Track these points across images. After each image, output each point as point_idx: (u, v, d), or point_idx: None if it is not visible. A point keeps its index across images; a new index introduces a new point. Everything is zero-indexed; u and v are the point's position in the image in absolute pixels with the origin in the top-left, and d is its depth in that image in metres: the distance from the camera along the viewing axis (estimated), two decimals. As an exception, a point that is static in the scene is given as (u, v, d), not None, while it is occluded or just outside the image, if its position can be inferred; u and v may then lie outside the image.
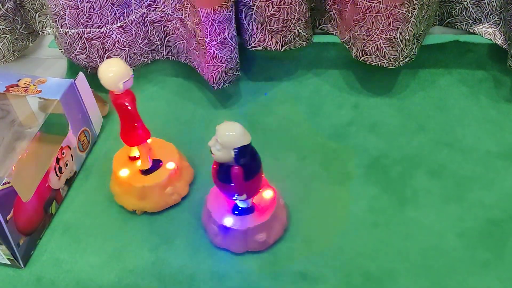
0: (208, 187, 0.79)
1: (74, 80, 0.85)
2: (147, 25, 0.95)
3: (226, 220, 0.74)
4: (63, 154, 0.83)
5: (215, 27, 0.84)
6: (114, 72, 0.71)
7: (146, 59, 1.00)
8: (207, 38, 0.84)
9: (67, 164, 0.84)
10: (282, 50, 0.93)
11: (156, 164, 0.81)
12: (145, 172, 0.80)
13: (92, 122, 0.91)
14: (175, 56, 1.00)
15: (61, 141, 0.82)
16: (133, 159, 0.82)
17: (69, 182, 0.85)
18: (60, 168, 0.81)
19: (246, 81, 1.02)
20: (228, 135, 0.65)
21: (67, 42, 0.93)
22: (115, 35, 0.93)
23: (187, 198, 0.84)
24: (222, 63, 0.88)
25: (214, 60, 0.87)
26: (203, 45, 0.86)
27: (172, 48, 0.99)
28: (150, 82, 1.04)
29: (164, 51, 1.00)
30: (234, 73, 0.92)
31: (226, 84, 0.92)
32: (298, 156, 0.89)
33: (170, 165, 0.81)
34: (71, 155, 0.85)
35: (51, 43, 1.05)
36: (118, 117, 0.78)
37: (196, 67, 0.96)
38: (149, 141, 0.80)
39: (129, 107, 0.74)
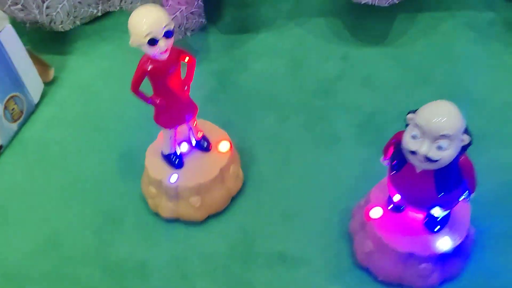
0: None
1: (-2, 33, 0.70)
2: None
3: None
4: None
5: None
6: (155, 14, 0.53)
7: (95, 11, 0.84)
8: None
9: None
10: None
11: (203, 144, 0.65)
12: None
13: (27, 87, 0.75)
14: (129, 5, 0.85)
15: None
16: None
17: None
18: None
19: (216, 34, 0.87)
20: (454, 119, 0.47)
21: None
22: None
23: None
24: (181, 5, 0.73)
25: (170, 2, 0.72)
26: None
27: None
28: (104, 41, 0.89)
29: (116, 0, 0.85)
30: (198, 19, 0.77)
31: (188, 34, 0.77)
32: (279, 117, 0.75)
33: (225, 146, 0.65)
34: (-4, 126, 0.70)
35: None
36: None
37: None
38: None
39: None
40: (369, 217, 0.57)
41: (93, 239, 0.64)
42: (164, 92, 0.57)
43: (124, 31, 0.91)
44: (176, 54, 0.56)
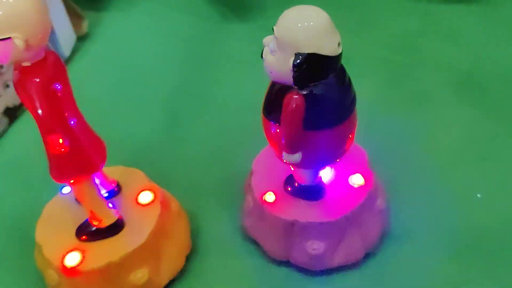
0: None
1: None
2: None
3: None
4: (1, 68, 0.56)
5: None
6: None
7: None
8: None
9: (8, 85, 0.58)
10: None
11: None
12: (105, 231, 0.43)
13: (58, 38, 0.64)
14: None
15: None
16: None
17: (10, 114, 0.59)
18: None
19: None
20: (291, 26, 0.35)
21: None
22: None
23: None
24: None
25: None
26: None
27: None
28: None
29: None
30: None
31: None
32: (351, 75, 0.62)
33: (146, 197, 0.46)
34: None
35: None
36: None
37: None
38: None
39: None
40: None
41: None
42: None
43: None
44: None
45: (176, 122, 0.59)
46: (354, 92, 0.39)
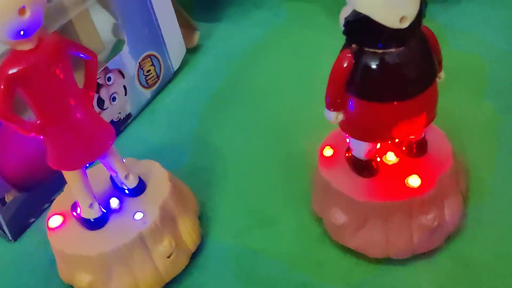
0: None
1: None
2: None
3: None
4: (108, 80, 0.53)
5: None
6: None
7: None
8: None
9: (114, 97, 0.54)
10: None
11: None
12: None
13: (168, 49, 0.61)
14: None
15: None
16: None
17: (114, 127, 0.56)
18: (101, 101, 0.52)
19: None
20: None
21: None
22: None
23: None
24: None
25: None
26: None
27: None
28: (259, 8, 0.73)
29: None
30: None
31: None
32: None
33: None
34: (124, 86, 0.55)
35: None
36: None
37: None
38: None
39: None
40: None
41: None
42: (51, 110, 0.35)
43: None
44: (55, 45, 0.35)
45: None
46: (426, 83, 0.37)
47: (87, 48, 0.37)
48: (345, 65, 0.36)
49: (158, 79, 0.60)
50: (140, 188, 0.42)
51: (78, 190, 0.40)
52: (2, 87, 0.33)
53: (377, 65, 0.36)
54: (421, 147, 0.42)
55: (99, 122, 0.39)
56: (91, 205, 0.40)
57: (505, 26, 0.62)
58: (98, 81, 0.52)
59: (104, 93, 0.53)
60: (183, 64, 0.64)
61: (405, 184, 0.40)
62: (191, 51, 0.66)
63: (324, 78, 0.38)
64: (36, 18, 0.31)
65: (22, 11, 0.30)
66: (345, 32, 0.36)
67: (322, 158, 0.43)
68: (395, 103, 0.37)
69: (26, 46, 0.33)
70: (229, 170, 0.52)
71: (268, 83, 0.61)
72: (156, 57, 0.59)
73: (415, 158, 0.42)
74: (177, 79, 0.63)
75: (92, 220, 0.41)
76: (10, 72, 0.32)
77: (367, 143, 0.40)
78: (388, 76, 0.36)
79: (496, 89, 0.55)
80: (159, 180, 0.43)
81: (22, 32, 0.32)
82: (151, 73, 0.58)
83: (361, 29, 0.35)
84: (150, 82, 0.59)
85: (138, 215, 0.41)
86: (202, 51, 0.67)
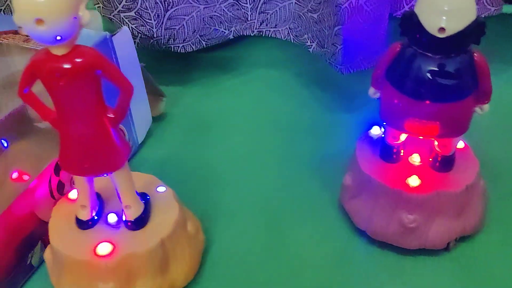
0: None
1: (112, 35, 0.49)
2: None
3: None
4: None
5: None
6: None
7: (227, 32, 0.64)
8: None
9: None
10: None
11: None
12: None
13: (134, 122, 0.54)
14: (271, 29, 0.64)
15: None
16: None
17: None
18: (61, 186, 0.45)
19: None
20: None
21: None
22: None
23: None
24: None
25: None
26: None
27: (269, 16, 0.63)
28: (227, 74, 0.68)
29: (256, 20, 0.64)
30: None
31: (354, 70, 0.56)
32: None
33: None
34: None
35: None
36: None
37: (311, 46, 0.60)
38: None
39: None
40: None
41: None
42: (58, 112, 0.37)
43: (254, 63, 0.72)
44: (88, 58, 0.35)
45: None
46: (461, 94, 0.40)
47: (122, 78, 0.36)
48: (390, 51, 0.41)
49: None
50: (137, 224, 0.41)
51: (79, 189, 0.41)
52: (24, 69, 0.36)
53: (407, 58, 0.40)
54: (445, 164, 0.44)
55: (109, 143, 0.38)
56: (83, 207, 0.41)
57: None
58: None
59: (64, 177, 0.46)
60: (148, 135, 0.58)
61: (405, 180, 0.43)
62: (157, 119, 0.60)
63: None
64: (56, 30, 0.32)
65: (39, 21, 0.31)
66: (399, 24, 0.40)
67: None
68: (408, 97, 0.40)
69: (55, 50, 0.34)
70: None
71: (236, 154, 0.56)
72: (122, 130, 0.52)
73: (436, 171, 0.44)
74: (141, 151, 0.57)
75: (79, 218, 0.41)
76: (31, 61, 0.35)
77: (389, 128, 0.44)
78: (411, 71, 0.39)
79: None
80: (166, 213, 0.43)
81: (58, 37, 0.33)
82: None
83: (410, 25, 0.39)
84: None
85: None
86: (168, 119, 0.61)
